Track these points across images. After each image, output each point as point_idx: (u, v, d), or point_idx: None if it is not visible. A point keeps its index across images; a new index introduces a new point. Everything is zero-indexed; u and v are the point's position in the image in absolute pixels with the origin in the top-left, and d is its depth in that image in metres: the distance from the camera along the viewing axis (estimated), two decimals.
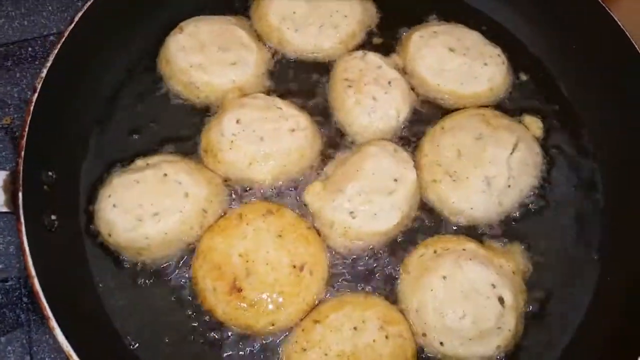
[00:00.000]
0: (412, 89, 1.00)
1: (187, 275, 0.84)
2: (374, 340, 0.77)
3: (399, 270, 0.86)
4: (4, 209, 0.75)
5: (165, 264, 0.85)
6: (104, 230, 0.84)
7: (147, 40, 1.02)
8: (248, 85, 0.97)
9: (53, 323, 0.69)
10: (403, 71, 1.01)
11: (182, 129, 0.96)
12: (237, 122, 0.90)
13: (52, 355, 0.88)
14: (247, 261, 0.81)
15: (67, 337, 0.68)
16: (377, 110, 0.94)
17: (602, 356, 0.83)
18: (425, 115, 0.99)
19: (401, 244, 0.88)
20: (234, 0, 1.10)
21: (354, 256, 0.87)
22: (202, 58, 0.96)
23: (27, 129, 0.78)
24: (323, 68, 1.03)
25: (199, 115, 0.97)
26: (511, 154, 0.91)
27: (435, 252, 0.85)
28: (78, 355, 0.68)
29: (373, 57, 0.98)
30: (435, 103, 1.00)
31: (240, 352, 0.80)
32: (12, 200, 0.75)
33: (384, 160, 0.88)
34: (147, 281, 0.84)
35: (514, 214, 0.91)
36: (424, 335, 0.81)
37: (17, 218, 0.73)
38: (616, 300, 0.87)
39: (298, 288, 0.81)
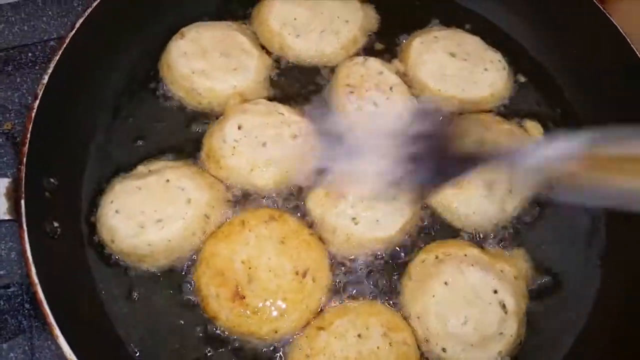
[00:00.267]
0: (413, 94, 1.00)
1: (190, 282, 0.84)
2: (377, 347, 0.77)
3: (401, 276, 0.86)
4: (7, 217, 0.75)
5: (167, 271, 0.85)
6: (106, 236, 0.84)
7: (148, 45, 1.02)
8: (249, 91, 0.97)
9: (57, 331, 0.68)
10: (404, 76, 1.01)
11: (184, 134, 0.96)
12: (239, 128, 0.90)
13: None
14: (250, 268, 0.81)
15: (70, 345, 0.68)
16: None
17: None
18: (427, 121, 0.99)
19: (403, 249, 0.88)
20: (235, 6, 1.09)
21: (357, 262, 0.87)
22: (203, 64, 0.96)
23: (28, 136, 0.78)
24: (324, 73, 1.03)
25: (201, 120, 0.97)
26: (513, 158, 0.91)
27: (437, 257, 0.85)
28: None
29: (374, 63, 0.99)
30: (436, 108, 1.00)
31: None
32: (14, 207, 0.74)
33: None
34: (149, 288, 0.84)
35: (516, 219, 0.92)
36: (427, 341, 0.81)
37: (20, 225, 0.73)
38: (618, 304, 0.87)
39: (301, 295, 0.81)
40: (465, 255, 0.85)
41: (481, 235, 0.90)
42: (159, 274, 0.85)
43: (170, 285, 0.84)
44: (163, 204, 0.83)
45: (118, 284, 0.84)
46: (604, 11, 0.98)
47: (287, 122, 0.92)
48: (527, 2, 1.09)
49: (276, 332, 0.80)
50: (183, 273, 0.85)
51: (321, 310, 0.82)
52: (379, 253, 0.87)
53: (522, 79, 1.06)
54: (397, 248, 0.88)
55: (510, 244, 0.90)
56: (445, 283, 0.82)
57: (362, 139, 0.81)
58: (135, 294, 0.84)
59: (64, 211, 0.84)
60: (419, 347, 0.81)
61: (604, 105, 1.00)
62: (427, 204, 0.92)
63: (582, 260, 0.92)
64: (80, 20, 0.88)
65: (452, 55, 1.01)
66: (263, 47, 1.04)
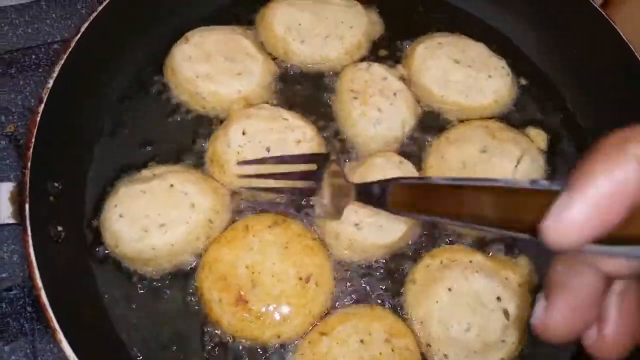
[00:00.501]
0: (417, 100, 1.00)
1: (193, 286, 0.84)
2: (380, 353, 0.77)
3: (404, 280, 0.86)
4: (11, 221, 0.75)
5: (171, 275, 0.85)
6: (110, 240, 0.84)
7: (153, 49, 1.02)
8: (254, 96, 0.97)
9: (60, 335, 0.68)
10: (408, 82, 1.01)
11: (187, 139, 0.96)
12: (243, 133, 0.90)
13: None
14: (253, 273, 0.81)
15: (73, 349, 0.68)
16: (382, 121, 0.94)
17: None
18: (430, 127, 0.99)
19: (407, 254, 0.88)
20: (240, 10, 1.09)
21: (360, 267, 0.87)
22: (208, 68, 0.96)
23: (33, 140, 0.78)
24: (328, 79, 1.03)
25: (205, 125, 0.97)
26: (516, 166, 0.91)
27: (441, 262, 0.85)
28: None
29: (378, 69, 0.99)
30: (440, 114, 1.01)
31: None
32: (19, 211, 0.74)
33: (390, 172, 0.88)
34: (152, 292, 0.84)
35: None
36: (429, 346, 0.81)
37: (24, 230, 0.73)
38: None
39: (304, 300, 0.81)
40: (470, 261, 0.85)
41: (486, 241, 0.90)
42: (162, 278, 0.85)
43: (173, 289, 0.84)
44: (167, 208, 0.83)
45: (121, 288, 0.84)
46: (605, 15, 0.98)
47: (291, 127, 0.92)
48: (531, 8, 1.09)
49: (279, 337, 0.80)
50: (186, 277, 0.85)
51: (324, 315, 0.82)
52: (382, 258, 0.88)
53: (524, 84, 1.06)
54: (400, 253, 0.88)
55: (514, 250, 0.90)
56: (449, 289, 0.82)
57: None
58: (138, 298, 0.84)
59: (68, 215, 0.84)
60: (421, 352, 0.81)
61: (606, 108, 1.00)
62: None
63: None
64: (86, 25, 0.88)
65: (456, 61, 1.01)
66: (267, 52, 1.04)
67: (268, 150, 0.89)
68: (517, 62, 1.07)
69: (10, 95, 1.08)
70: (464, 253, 0.87)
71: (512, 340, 0.80)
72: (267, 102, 0.98)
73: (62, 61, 0.84)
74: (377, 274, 0.87)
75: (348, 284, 0.86)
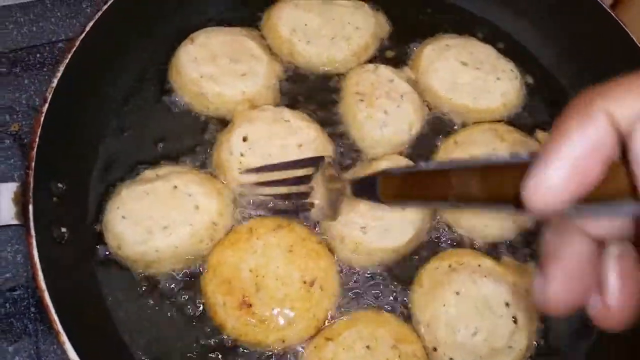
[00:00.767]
0: (424, 102, 1.00)
1: (197, 289, 0.83)
2: (386, 359, 0.77)
3: (411, 283, 0.86)
4: (15, 222, 0.74)
5: (175, 277, 0.84)
6: (112, 242, 0.83)
7: (158, 49, 1.02)
8: (258, 97, 0.97)
9: (63, 337, 0.68)
10: (415, 84, 1.00)
11: (192, 140, 0.95)
12: (245, 139, 0.89)
13: None
14: (257, 276, 0.81)
15: (77, 351, 0.68)
16: (389, 124, 0.93)
17: None
18: (438, 130, 0.98)
19: (414, 257, 0.88)
20: (245, 11, 1.09)
21: (366, 271, 0.86)
22: (213, 69, 0.96)
23: (37, 140, 0.78)
24: (334, 80, 1.02)
25: (209, 126, 0.96)
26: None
27: (450, 266, 0.85)
28: None
29: (385, 71, 0.98)
30: (448, 117, 1.00)
31: None
32: (22, 212, 0.74)
33: None
34: (156, 294, 0.83)
35: (529, 231, 0.91)
36: (435, 350, 0.80)
37: (28, 231, 0.73)
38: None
39: (309, 304, 0.80)
40: (479, 265, 0.84)
41: (495, 246, 0.90)
42: (166, 280, 0.84)
43: (177, 292, 0.84)
44: (171, 210, 0.83)
45: (124, 290, 0.83)
46: (615, 16, 0.97)
47: (293, 129, 0.91)
48: (539, 10, 1.09)
49: (283, 341, 0.79)
50: (190, 280, 0.84)
51: (329, 319, 0.82)
52: (388, 262, 0.87)
53: (533, 87, 1.05)
54: (406, 257, 0.88)
55: (523, 256, 0.89)
56: (457, 292, 0.81)
57: None
58: (141, 300, 0.83)
59: (72, 216, 0.83)
60: (427, 356, 0.80)
61: None
62: (438, 215, 0.91)
63: None
64: (91, 24, 0.87)
65: (464, 64, 1.00)
66: (272, 53, 1.03)
67: (270, 156, 0.88)
68: (525, 65, 1.06)
69: (15, 94, 1.08)
70: (473, 257, 0.86)
71: (519, 346, 0.80)
72: (272, 103, 0.97)
73: (67, 60, 0.84)
74: (383, 277, 0.86)
75: (353, 287, 0.85)
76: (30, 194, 0.74)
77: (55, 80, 0.82)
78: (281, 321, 0.79)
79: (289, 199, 0.84)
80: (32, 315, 0.90)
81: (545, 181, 0.32)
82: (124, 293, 0.83)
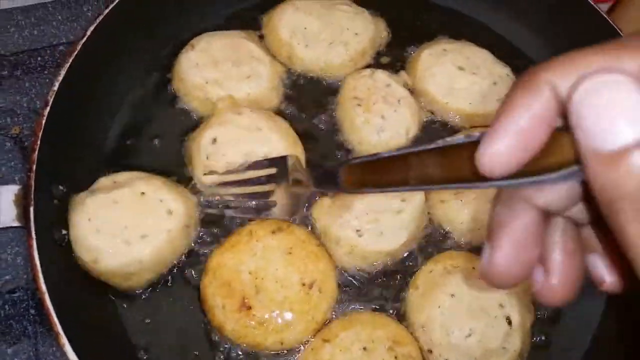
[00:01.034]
0: (421, 107, 1.00)
1: (197, 292, 0.84)
2: None
3: (407, 286, 0.87)
4: (16, 224, 0.75)
5: (174, 280, 0.85)
6: (86, 256, 0.79)
7: (160, 53, 1.03)
8: (262, 98, 0.97)
9: (63, 339, 0.69)
10: (412, 89, 1.01)
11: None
12: (214, 141, 0.89)
13: None
14: (257, 278, 0.81)
15: (77, 354, 0.68)
16: (386, 129, 0.94)
17: None
18: (434, 134, 0.99)
19: (409, 260, 0.89)
20: (246, 14, 1.10)
21: (363, 273, 0.87)
22: (216, 73, 0.96)
23: (38, 143, 0.79)
24: (332, 84, 1.03)
25: None
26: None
27: (444, 268, 0.85)
28: None
29: (382, 76, 0.98)
30: (444, 122, 1.01)
31: None
32: (23, 214, 0.75)
33: None
34: (157, 297, 0.84)
35: None
36: (430, 351, 0.81)
37: (28, 233, 0.73)
38: (625, 318, 0.87)
39: (307, 306, 0.81)
40: (474, 267, 0.85)
41: None
42: (166, 283, 0.85)
43: (177, 294, 0.84)
44: (144, 218, 0.81)
45: (125, 293, 0.84)
46: (611, 22, 0.98)
47: (262, 139, 0.90)
48: (536, 16, 1.09)
49: (282, 343, 0.80)
50: (190, 282, 0.85)
51: (327, 321, 0.83)
52: (384, 264, 0.88)
53: None
54: (402, 259, 0.88)
55: None
56: (452, 295, 0.82)
57: None
58: (142, 303, 0.84)
59: None
60: (422, 358, 0.81)
61: None
62: (432, 218, 0.92)
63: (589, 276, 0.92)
64: (92, 27, 0.88)
65: (461, 68, 1.01)
66: (272, 55, 1.04)
67: (232, 162, 0.88)
68: (522, 69, 1.06)
69: (16, 97, 1.08)
70: (467, 259, 0.87)
71: (513, 347, 0.80)
72: (276, 104, 0.99)
73: (68, 64, 0.84)
74: (379, 280, 0.87)
75: (351, 290, 0.86)
76: (32, 197, 0.75)
77: (57, 84, 0.82)
78: (280, 323, 0.79)
79: (251, 198, 0.84)
80: (31, 317, 0.91)
81: (493, 147, 0.35)
82: (125, 295, 0.84)
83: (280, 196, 0.81)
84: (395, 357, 0.78)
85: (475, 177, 0.37)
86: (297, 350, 0.81)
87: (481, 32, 1.12)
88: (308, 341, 0.81)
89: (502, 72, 1.02)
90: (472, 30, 1.12)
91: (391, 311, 0.85)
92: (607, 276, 0.42)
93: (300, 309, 0.80)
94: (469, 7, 1.15)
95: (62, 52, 1.14)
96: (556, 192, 0.39)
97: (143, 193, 0.83)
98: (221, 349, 0.81)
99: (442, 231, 0.91)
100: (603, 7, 1.06)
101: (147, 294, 0.84)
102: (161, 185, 0.85)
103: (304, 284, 0.82)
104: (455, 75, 1.00)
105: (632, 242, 0.31)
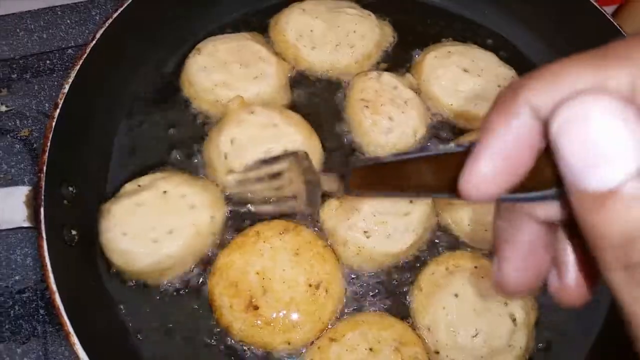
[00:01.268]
0: (427, 108, 1.01)
1: (205, 292, 0.85)
2: None
3: (411, 288, 0.87)
4: (27, 224, 0.76)
5: (183, 280, 0.86)
6: (119, 261, 0.82)
7: (168, 56, 1.04)
8: (271, 97, 0.98)
9: (74, 338, 0.69)
10: (417, 91, 1.01)
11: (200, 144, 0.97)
12: (232, 142, 0.90)
13: None
14: (264, 279, 0.82)
15: (87, 353, 0.69)
16: (394, 130, 0.95)
17: None
18: (440, 136, 1.00)
19: (414, 261, 0.89)
20: (251, 17, 1.11)
21: (369, 274, 0.88)
22: (225, 76, 0.97)
23: (48, 144, 0.79)
24: (337, 86, 1.04)
25: None
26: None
27: (447, 269, 0.86)
28: None
29: (388, 78, 0.99)
30: (450, 123, 1.01)
31: None
32: (34, 215, 0.75)
33: None
34: (166, 297, 0.85)
35: None
36: (436, 352, 0.82)
37: (39, 233, 0.74)
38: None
39: (314, 306, 0.81)
40: (476, 267, 0.85)
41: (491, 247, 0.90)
42: (175, 283, 0.85)
43: (186, 294, 0.85)
44: (168, 215, 0.83)
45: (134, 292, 0.85)
46: (616, 25, 0.98)
47: (279, 135, 0.91)
48: (540, 18, 1.10)
49: (289, 343, 0.80)
50: (198, 283, 0.86)
51: (334, 322, 0.83)
52: (391, 266, 0.88)
53: None
54: (407, 261, 0.89)
55: None
56: (456, 295, 0.82)
57: None
58: (151, 302, 0.84)
59: (82, 220, 0.84)
60: (428, 359, 0.81)
61: None
62: (440, 221, 0.92)
63: None
64: (101, 31, 0.89)
65: (466, 70, 1.01)
66: (278, 56, 1.05)
67: (253, 160, 0.87)
68: (526, 72, 1.07)
69: (25, 99, 1.10)
70: (469, 259, 0.87)
71: (519, 345, 0.81)
72: (285, 103, 1.00)
73: (78, 66, 0.85)
74: (386, 281, 0.88)
75: (358, 290, 0.87)
76: (42, 197, 0.76)
77: (67, 86, 0.83)
78: (287, 323, 0.80)
79: (272, 194, 0.83)
80: (40, 317, 0.92)
81: (476, 174, 0.33)
82: (134, 295, 0.85)
83: (299, 190, 0.81)
84: (401, 358, 0.78)
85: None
86: (304, 350, 0.82)
87: (486, 35, 1.12)
88: (316, 341, 0.81)
89: (506, 74, 1.03)
90: (477, 32, 1.12)
91: (397, 313, 0.85)
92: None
93: (307, 310, 0.81)
94: (474, 11, 1.15)
95: (71, 56, 1.15)
96: (555, 205, 0.36)
97: (165, 192, 0.85)
98: (230, 350, 0.82)
99: (450, 233, 0.92)
100: (608, 10, 1.06)
101: (157, 295, 0.85)
102: (181, 182, 0.87)
103: (310, 285, 0.82)
104: (460, 77, 1.01)
105: (617, 289, 0.29)
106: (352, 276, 0.87)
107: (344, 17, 1.05)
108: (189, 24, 1.06)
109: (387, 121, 0.95)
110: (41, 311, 0.92)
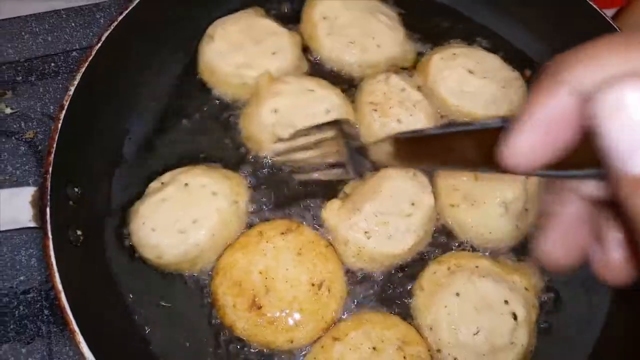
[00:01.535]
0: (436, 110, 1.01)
1: (210, 291, 0.85)
2: None
3: (413, 287, 0.87)
4: (32, 224, 0.76)
5: (192, 276, 0.87)
6: (151, 255, 0.84)
7: (174, 57, 1.04)
8: (291, 68, 1.00)
9: (79, 337, 0.70)
10: (423, 92, 1.01)
11: (202, 144, 0.97)
12: (275, 111, 0.92)
13: None
14: (267, 278, 0.83)
15: (93, 352, 0.69)
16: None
17: None
18: None
19: (416, 261, 0.89)
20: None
21: (371, 274, 0.88)
22: (244, 57, 0.98)
23: (54, 146, 0.80)
24: (341, 80, 1.04)
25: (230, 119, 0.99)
26: (527, 177, 0.91)
27: (448, 268, 0.86)
28: None
29: (396, 80, 0.99)
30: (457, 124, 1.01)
31: None
32: (40, 216, 0.76)
33: (403, 184, 0.89)
34: (171, 295, 0.85)
35: (529, 233, 0.92)
36: (438, 351, 0.82)
37: (45, 233, 0.75)
38: (632, 313, 0.88)
39: (317, 305, 0.82)
40: (477, 266, 0.86)
41: (495, 250, 0.91)
42: (180, 282, 0.86)
43: (193, 292, 0.86)
44: (192, 205, 0.85)
45: (140, 291, 0.86)
46: (617, 28, 0.99)
47: (318, 98, 0.94)
48: (544, 21, 1.10)
49: (292, 342, 0.81)
50: (204, 282, 0.86)
51: (337, 321, 0.83)
52: (392, 266, 0.88)
53: None
54: (408, 260, 0.89)
55: (521, 256, 0.91)
56: (457, 294, 0.83)
57: None
58: (158, 301, 0.85)
59: (88, 219, 0.85)
60: (431, 358, 0.82)
61: None
62: (441, 222, 0.93)
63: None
64: (106, 33, 0.90)
65: (471, 72, 1.02)
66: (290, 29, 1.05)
67: (299, 125, 0.89)
68: (531, 74, 1.07)
69: (30, 102, 1.10)
70: (470, 258, 0.88)
71: (521, 342, 0.81)
72: (304, 72, 1.01)
73: (84, 68, 0.86)
74: (388, 280, 0.88)
75: (360, 290, 0.87)
76: (48, 198, 0.76)
77: (72, 88, 0.84)
78: (290, 322, 0.81)
79: (318, 161, 0.83)
80: (45, 317, 0.92)
81: (517, 147, 0.35)
82: (140, 294, 0.85)
83: (345, 158, 0.80)
84: (404, 357, 0.79)
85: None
86: (306, 349, 0.82)
87: (491, 37, 1.12)
88: (319, 339, 0.82)
89: (511, 75, 1.03)
90: (482, 35, 1.12)
91: (399, 312, 0.86)
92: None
93: (310, 309, 0.81)
94: (477, 13, 1.15)
95: (75, 58, 1.16)
96: (599, 184, 0.37)
97: (186, 184, 0.87)
98: (233, 350, 0.82)
99: (452, 234, 0.92)
100: (608, 13, 1.07)
101: (162, 294, 0.85)
102: (200, 173, 0.89)
103: (313, 284, 0.83)
104: (466, 79, 1.01)
105: None
106: (355, 275, 0.88)
107: (374, 20, 1.05)
108: (194, 24, 1.06)
109: (395, 123, 0.95)
110: (46, 311, 0.93)
